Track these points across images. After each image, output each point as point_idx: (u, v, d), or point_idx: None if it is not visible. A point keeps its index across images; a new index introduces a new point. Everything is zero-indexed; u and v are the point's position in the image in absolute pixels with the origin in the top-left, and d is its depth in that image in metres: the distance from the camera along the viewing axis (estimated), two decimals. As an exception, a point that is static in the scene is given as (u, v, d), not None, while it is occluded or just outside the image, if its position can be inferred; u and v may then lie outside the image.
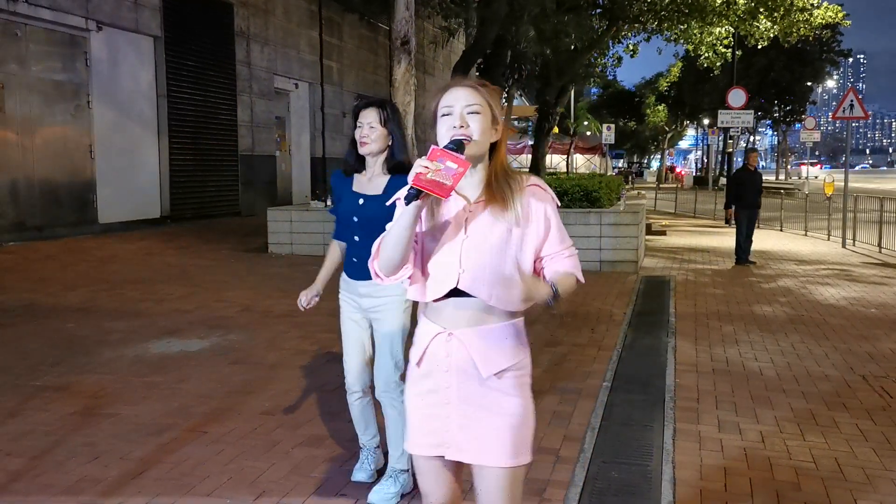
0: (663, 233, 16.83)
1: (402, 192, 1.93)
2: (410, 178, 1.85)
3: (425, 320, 2.10)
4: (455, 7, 17.41)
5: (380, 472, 3.58)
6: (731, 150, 22.27)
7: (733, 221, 12.15)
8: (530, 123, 40.83)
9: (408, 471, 3.39)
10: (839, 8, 20.72)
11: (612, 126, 33.36)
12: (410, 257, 2.01)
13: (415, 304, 3.33)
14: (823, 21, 20.67)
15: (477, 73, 23.46)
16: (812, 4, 19.74)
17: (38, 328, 6.71)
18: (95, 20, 13.53)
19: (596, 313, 7.45)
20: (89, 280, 9.15)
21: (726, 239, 16.13)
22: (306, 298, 3.49)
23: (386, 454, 3.54)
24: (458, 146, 1.91)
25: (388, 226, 1.98)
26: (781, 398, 4.93)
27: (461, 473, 2.18)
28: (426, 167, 1.83)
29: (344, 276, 3.42)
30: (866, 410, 4.70)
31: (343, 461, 3.81)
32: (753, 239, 11.94)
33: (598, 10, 21.91)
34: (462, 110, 2.00)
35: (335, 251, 3.49)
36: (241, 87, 17.83)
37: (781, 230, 18.09)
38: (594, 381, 5.19)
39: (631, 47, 23.50)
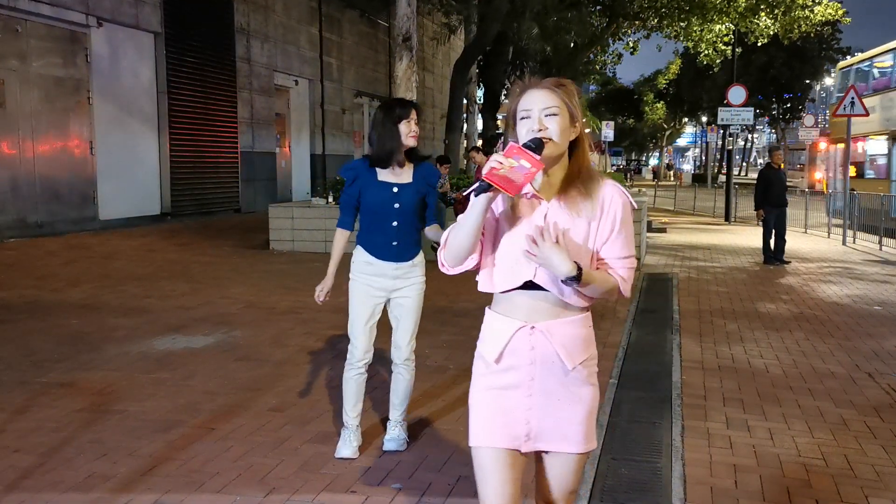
0: (664, 230, 16.83)
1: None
2: (484, 171, 1.89)
3: (498, 316, 2.12)
4: (456, 4, 17.38)
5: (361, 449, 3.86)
6: (730, 147, 22.22)
7: (761, 221, 12.00)
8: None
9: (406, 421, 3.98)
10: (839, 5, 20.72)
11: (612, 123, 33.34)
12: (476, 248, 2.08)
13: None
14: (823, 18, 20.68)
15: (477, 70, 23.47)
16: (813, 1, 19.75)
17: (42, 325, 6.69)
18: (96, 16, 13.49)
19: (600, 310, 7.45)
20: (92, 277, 9.13)
21: (727, 236, 16.15)
22: (324, 294, 3.81)
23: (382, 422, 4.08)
24: (537, 145, 1.96)
25: (459, 217, 2.05)
26: (788, 395, 4.93)
27: (522, 474, 2.17)
28: (500, 163, 1.88)
29: (370, 259, 3.68)
30: (874, 408, 4.71)
31: (352, 458, 3.80)
32: (765, 237, 11.81)
33: (599, 7, 21.92)
34: (540, 113, 2.03)
35: (342, 241, 3.77)
36: (242, 83, 17.79)
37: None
38: (601, 378, 5.15)
39: (631, 44, 23.50)
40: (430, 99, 28.18)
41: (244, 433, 4.12)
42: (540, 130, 2.00)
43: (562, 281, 1.99)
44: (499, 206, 2.08)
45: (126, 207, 14.42)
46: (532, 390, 2.09)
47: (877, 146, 19.24)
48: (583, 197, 2.06)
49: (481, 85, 23.18)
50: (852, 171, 18.24)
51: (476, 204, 1.96)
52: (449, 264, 2.11)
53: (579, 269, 1.95)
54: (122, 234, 12.96)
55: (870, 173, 19.58)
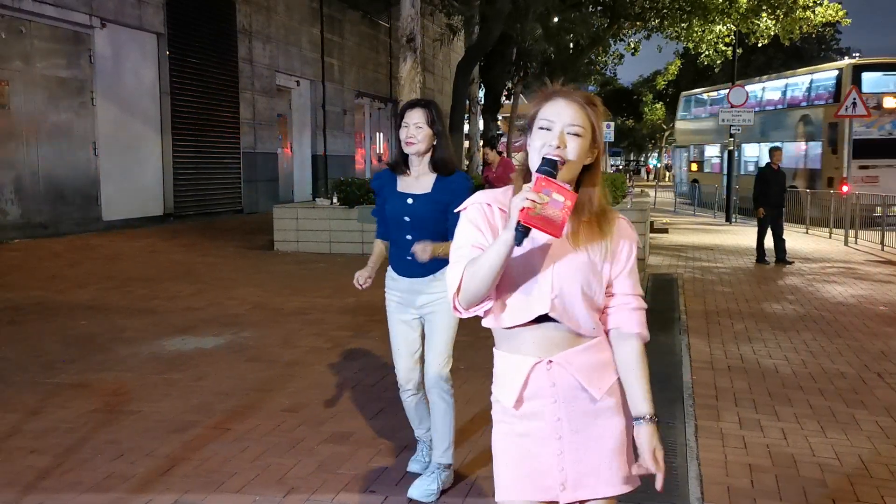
0: (665, 231, 16.86)
1: (467, 205, 1.90)
2: (516, 211, 1.67)
3: (508, 355, 1.91)
4: (458, 5, 17.40)
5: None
6: (731, 148, 22.26)
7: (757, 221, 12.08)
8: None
9: (450, 466, 3.44)
10: (839, 6, 20.79)
11: (612, 124, 33.38)
12: (494, 289, 1.85)
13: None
14: (824, 20, 20.74)
15: (478, 71, 23.48)
16: (815, 1, 19.81)
17: (50, 326, 6.70)
18: (99, 17, 13.48)
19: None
20: (97, 277, 9.14)
21: (728, 237, 16.18)
22: (363, 278, 3.42)
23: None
24: (553, 167, 1.75)
25: (479, 259, 1.79)
26: (799, 395, 4.95)
27: None
28: (534, 201, 1.65)
29: (393, 274, 3.43)
30: (885, 408, 4.73)
31: (369, 458, 3.81)
32: (759, 236, 11.91)
33: (600, 8, 21.97)
34: (563, 129, 1.81)
35: (380, 246, 3.53)
36: (244, 84, 17.80)
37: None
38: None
39: (632, 45, 23.54)
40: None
41: (259, 433, 4.13)
42: (557, 147, 1.79)
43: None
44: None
45: (129, 208, 14.42)
46: (561, 432, 1.87)
47: (713, 151, 27.92)
48: (596, 235, 1.87)
49: (482, 86, 23.20)
50: (695, 167, 29.28)
51: (501, 247, 1.71)
52: (464, 307, 1.84)
53: (654, 417, 1.90)
54: (126, 235, 12.96)
55: (707, 169, 28.14)
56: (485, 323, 1.92)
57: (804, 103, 21.65)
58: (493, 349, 1.98)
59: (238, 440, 4.03)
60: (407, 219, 3.29)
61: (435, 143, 3.29)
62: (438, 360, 3.35)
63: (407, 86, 11.76)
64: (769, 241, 11.86)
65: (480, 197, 1.92)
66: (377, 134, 26.02)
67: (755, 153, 23.90)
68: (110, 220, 13.84)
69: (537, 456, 1.88)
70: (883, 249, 13.55)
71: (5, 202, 11.91)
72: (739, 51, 23.16)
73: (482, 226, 1.86)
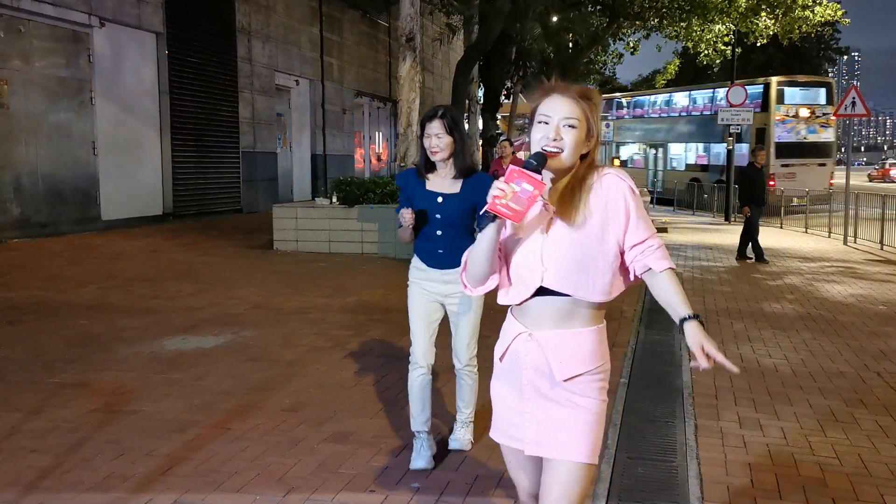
0: (665, 230, 16.87)
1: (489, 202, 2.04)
2: (489, 199, 1.90)
3: (512, 318, 2.18)
4: (458, 4, 17.40)
5: (436, 458, 3.75)
6: (730, 147, 22.29)
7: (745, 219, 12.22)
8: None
9: (472, 422, 3.94)
10: (838, 6, 20.80)
11: (612, 123, 33.41)
12: (496, 268, 2.11)
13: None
14: (823, 19, 20.77)
15: (478, 70, 23.47)
16: (814, 1, 19.83)
17: (50, 325, 6.69)
18: (98, 16, 13.46)
19: (607, 309, 7.45)
20: (97, 277, 9.13)
21: (728, 236, 16.18)
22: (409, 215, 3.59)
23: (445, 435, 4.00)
24: (539, 161, 1.96)
25: (479, 237, 2.06)
26: (799, 395, 4.96)
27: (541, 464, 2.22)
28: (502, 190, 1.88)
29: (422, 265, 3.71)
30: (884, 407, 4.74)
31: (369, 457, 3.82)
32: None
33: (599, 7, 21.97)
34: (559, 122, 2.02)
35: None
36: (243, 83, 17.78)
37: (781, 227, 18.15)
38: (611, 377, 5.20)
39: (632, 44, 23.55)
40: (430, 99, 28.18)
41: (260, 433, 4.14)
42: (554, 140, 2.00)
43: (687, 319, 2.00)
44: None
45: (128, 208, 14.40)
46: (528, 395, 2.13)
47: (636, 149, 31.96)
48: (569, 206, 2.04)
49: (481, 85, 23.20)
50: (617, 163, 30.52)
51: (486, 232, 1.99)
52: (471, 285, 2.16)
53: (697, 316, 2.01)
54: (126, 235, 12.96)
55: (631, 165, 31.57)
56: (500, 301, 2.16)
57: None
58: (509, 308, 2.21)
59: (238, 440, 4.04)
60: (438, 216, 3.60)
61: (455, 147, 3.57)
62: (471, 344, 3.76)
63: (406, 85, 11.76)
64: (761, 238, 12.00)
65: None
66: (376, 133, 26.00)
67: (681, 152, 28.05)
68: (110, 220, 13.82)
69: (512, 409, 2.17)
70: (882, 248, 13.57)
71: (4, 201, 11.90)
72: (738, 50, 23.17)
73: None
